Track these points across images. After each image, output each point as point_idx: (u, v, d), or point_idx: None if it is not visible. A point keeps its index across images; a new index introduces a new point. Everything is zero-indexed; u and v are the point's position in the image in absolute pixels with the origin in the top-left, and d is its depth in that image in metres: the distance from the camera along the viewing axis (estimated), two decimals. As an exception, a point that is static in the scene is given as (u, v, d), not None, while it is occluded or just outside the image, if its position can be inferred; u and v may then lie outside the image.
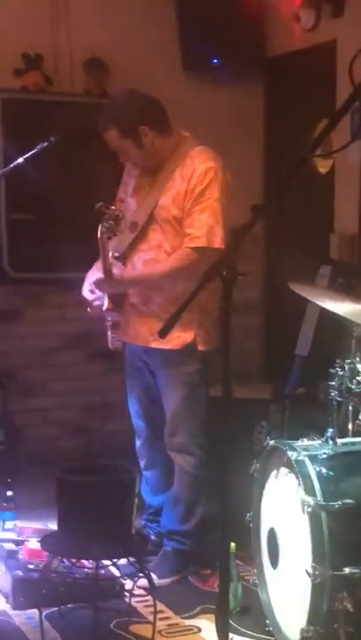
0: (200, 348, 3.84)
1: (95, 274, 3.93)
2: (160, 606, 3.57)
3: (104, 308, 3.99)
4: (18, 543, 3.93)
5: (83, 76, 5.69)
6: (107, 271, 3.82)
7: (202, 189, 3.74)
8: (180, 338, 3.80)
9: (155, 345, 3.84)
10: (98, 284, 3.90)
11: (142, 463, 4.15)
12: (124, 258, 3.92)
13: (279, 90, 6.16)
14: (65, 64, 5.66)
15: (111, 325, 4.07)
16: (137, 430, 4.17)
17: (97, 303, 4.00)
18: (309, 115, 5.52)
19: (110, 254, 3.86)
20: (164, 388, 3.94)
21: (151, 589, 3.41)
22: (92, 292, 3.98)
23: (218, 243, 3.72)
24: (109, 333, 4.09)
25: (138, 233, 3.88)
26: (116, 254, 3.92)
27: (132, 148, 3.83)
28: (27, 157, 4.20)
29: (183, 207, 3.76)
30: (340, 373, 3.38)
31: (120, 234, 3.87)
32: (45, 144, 4.21)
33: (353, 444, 3.28)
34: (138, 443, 4.19)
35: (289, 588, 3.17)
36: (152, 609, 3.37)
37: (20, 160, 4.20)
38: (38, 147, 4.21)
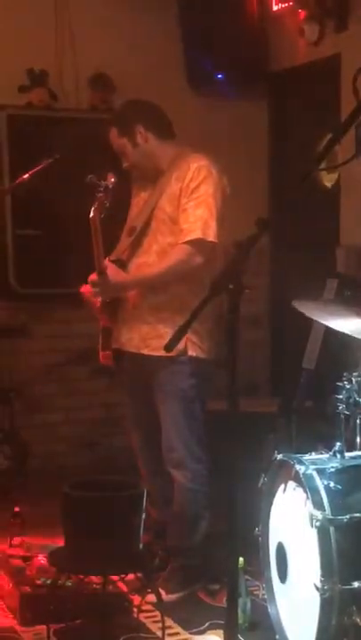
0: (190, 353, 3.82)
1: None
2: (168, 622, 3.55)
3: (96, 307, 3.97)
4: (25, 559, 3.92)
5: (88, 91, 5.72)
6: (101, 271, 3.79)
7: (196, 185, 3.78)
8: None
9: (146, 352, 3.86)
10: (93, 283, 3.87)
11: (144, 480, 4.13)
12: (122, 263, 3.93)
13: (284, 104, 6.18)
14: (70, 80, 5.69)
15: (102, 335, 4.04)
16: (136, 447, 4.16)
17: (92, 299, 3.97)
18: (314, 129, 5.53)
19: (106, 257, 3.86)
20: (160, 403, 3.93)
21: (159, 605, 3.40)
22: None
23: (212, 236, 3.75)
24: (100, 350, 4.06)
25: (134, 238, 3.92)
26: (114, 258, 3.93)
27: (129, 148, 3.92)
28: (32, 173, 4.21)
29: (178, 205, 3.80)
30: (348, 387, 3.36)
31: (121, 241, 3.96)
32: (50, 160, 4.23)
33: (361, 457, 3.28)
34: (139, 460, 4.17)
35: (298, 602, 3.16)
36: (160, 624, 3.35)
37: (26, 176, 4.21)
38: (43, 163, 4.23)
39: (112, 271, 3.82)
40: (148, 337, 3.85)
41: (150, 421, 4.00)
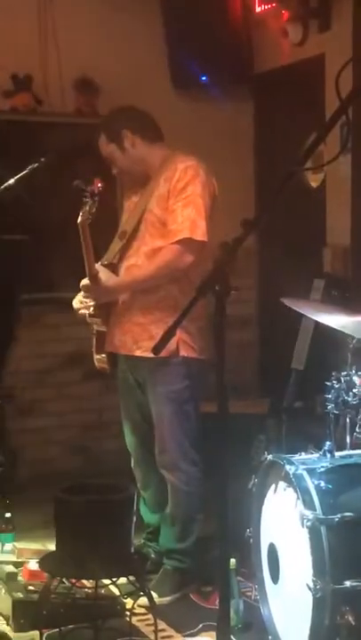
0: (182, 353, 3.81)
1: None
2: (161, 624, 3.54)
3: (88, 314, 3.97)
4: (17, 565, 3.91)
5: (73, 95, 5.71)
6: (92, 276, 3.81)
7: (183, 186, 3.79)
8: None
9: (138, 353, 3.85)
10: (85, 288, 3.89)
11: (138, 482, 4.13)
12: (114, 266, 3.93)
13: (269, 105, 6.18)
14: (55, 84, 5.68)
15: (96, 339, 4.05)
16: (130, 449, 4.16)
17: (82, 312, 3.99)
18: (299, 129, 5.54)
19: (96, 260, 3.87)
20: (153, 405, 3.93)
21: (152, 608, 3.40)
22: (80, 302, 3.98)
23: (200, 235, 3.75)
24: (95, 355, 4.08)
25: (126, 241, 3.92)
26: (105, 262, 3.94)
27: (117, 153, 3.95)
28: (17, 178, 4.20)
29: (166, 206, 3.80)
30: (337, 386, 3.37)
31: (112, 244, 3.98)
32: (36, 165, 4.22)
33: (351, 456, 3.28)
34: (132, 462, 4.17)
35: (290, 602, 3.16)
36: (153, 627, 3.35)
37: (11, 181, 4.21)
38: (29, 168, 4.22)
39: (104, 275, 3.83)
40: (140, 338, 3.85)
41: (144, 424, 4.00)
